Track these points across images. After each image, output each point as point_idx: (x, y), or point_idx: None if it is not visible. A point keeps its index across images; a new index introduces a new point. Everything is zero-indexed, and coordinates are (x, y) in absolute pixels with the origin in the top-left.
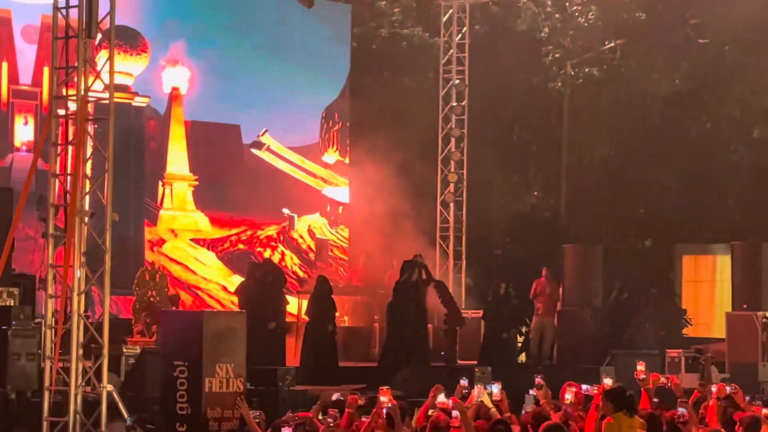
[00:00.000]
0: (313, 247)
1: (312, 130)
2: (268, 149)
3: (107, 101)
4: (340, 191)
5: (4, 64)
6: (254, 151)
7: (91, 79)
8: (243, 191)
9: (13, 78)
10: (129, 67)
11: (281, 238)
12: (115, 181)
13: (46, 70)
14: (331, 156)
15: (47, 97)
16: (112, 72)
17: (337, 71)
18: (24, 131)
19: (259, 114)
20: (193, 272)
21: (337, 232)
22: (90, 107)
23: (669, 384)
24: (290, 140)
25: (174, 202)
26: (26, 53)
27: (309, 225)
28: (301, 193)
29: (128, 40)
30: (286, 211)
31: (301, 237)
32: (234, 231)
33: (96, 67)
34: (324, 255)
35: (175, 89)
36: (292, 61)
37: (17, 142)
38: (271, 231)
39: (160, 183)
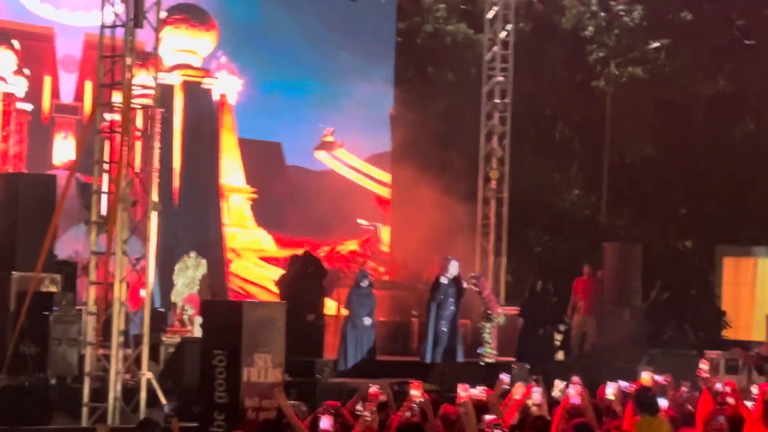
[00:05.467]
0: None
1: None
2: (333, 151)
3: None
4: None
5: (47, 79)
6: (320, 153)
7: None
8: (297, 208)
9: (55, 94)
10: (195, 45)
11: (368, 252)
12: (190, 172)
13: (87, 85)
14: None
15: (89, 109)
16: (158, 64)
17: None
18: (63, 146)
19: (308, 124)
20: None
21: None
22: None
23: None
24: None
25: (232, 217)
26: (69, 70)
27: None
28: (371, 203)
29: (195, 15)
30: (363, 222)
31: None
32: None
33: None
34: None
35: (223, 97)
36: (335, 61)
37: (56, 161)
38: (352, 246)
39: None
